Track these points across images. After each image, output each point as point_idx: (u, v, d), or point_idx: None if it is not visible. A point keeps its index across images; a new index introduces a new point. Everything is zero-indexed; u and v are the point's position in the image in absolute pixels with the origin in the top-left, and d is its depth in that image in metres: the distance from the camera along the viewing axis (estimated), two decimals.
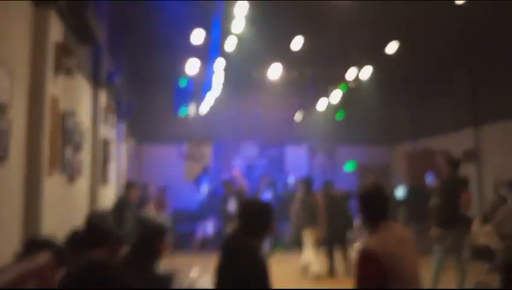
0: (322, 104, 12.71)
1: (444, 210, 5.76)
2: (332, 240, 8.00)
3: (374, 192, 2.69)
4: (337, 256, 8.03)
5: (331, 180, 9.01)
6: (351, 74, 10.58)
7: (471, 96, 10.83)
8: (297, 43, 8.69)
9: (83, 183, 6.05)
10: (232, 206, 8.83)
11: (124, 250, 3.29)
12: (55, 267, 2.39)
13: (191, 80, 11.04)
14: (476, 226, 8.55)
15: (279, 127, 13.72)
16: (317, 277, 7.53)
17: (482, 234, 8.30)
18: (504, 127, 9.67)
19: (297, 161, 13.97)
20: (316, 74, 11.83)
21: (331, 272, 7.88)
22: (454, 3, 7.33)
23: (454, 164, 5.91)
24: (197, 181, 11.43)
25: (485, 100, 10.40)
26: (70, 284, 1.65)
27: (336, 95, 11.94)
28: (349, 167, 14.40)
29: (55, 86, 4.43)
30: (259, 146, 14.12)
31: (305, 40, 8.63)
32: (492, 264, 6.98)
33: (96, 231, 2.99)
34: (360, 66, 10.34)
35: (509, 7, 7.52)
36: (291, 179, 12.31)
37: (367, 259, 2.40)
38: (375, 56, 9.72)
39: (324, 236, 7.91)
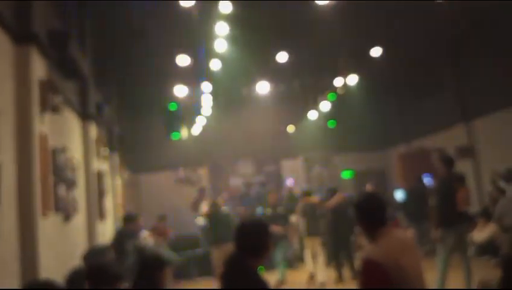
0: (313, 115, 12.74)
1: (443, 210, 5.72)
2: (338, 247, 8.09)
3: (370, 200, 2.67)
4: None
5: (335, 187, 9.09)
6: (338, 82, 10.64)
7: (459, 92, 10.88)
8: (282, 56, 8.76)
9: (79, 220, 5.96)
10: None
11: (126, 284, 3.23)
12: None
13: (180, 103, 11.06)
14: (478, 222, 8.51)
15: (273, 142, 13.71)
16: (322, 285, 7.58)
17: (485, 229, 8.25)
18: (494, 119, 9.70)
19: (294, 174, 13.93)
20: (303, 85, 11.90)
21: (339, 278, 7.90)
22: (437, 2, 7.45)
23: (448, 162, 5.89)
24: (197, 205, 11.31)
25: (473, 94, 10.45)
26: None
27: (326, 105, 11.98)
28: (346, 175, 14.38)
29: (42, 124, 4.39)
30: (255, 163, 14.09)
31: (289, 52, 8.71)
32: (497, 259, 6.93)
33: (96, 267, 2.93)
34: (346, 74, 10.41)
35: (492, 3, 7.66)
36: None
37: (370, 268, 2.37)
38: (361, 62, 9.81)
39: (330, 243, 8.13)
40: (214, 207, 8.21)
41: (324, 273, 7.78)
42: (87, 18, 7.10)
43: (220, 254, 7.47)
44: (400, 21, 8.41)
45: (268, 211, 8.64)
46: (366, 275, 2.40)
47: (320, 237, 8.10)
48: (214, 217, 8.12)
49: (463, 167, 9.29)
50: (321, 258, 7.95)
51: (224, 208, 8.56)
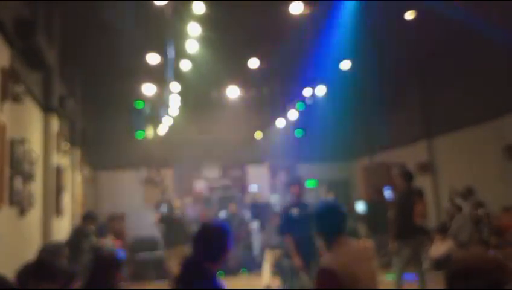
0: (280, 123, 12.84)
1: (400, 222, 5.88)
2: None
3: (328, 209, 2.70)
4: None
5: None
6: (307, 92, 10.78)
7: (423, 110, 11.23)
8: (254, 62, 8.81)
9: (35, 215, 5.76)
10: None
11: (79, 283, 3.14)
12: None
13: (148, 102, 10.90)
14: (435, 236, 8.77)
15: (240, 147, 13.70)
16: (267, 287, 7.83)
17: (442, 244, 8.52)
18: (455, 138, 10.07)
19: (259, 180, 13.96)
20: (273, 92, 11.98)
21: None
22: (404, 20, 7.68)
23: (407, 176, 6.07)
24: (158, 207, 11.14)
25: (436, 113, 10.82)
26: None
27: (294, 114, 12.10)
28: (310, 184, 14.53)
29: (2, 113, 4.23)
30: (221, 167, 14.03)
31: (261, 59, 8.76)
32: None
33: (45, 265, 2.83)
34: (315, 84, 10.55)
35: (459, 23, 7.94)
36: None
37: (325, 276, 2.41)
38: (330, 74, 9.97)
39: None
40: (168, 210, 8.10)
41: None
42: (56, 8, 6.91)
43: (173, 257, 7.41)
44: (370, 37, 8.62)
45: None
46: (321, 284, 2.43)
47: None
48: (168, 219, 8.01)
49: (422, 182, 9.59)
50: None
51: (179, 211, 8.43)
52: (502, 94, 8.68)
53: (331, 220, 2.63)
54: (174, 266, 7.37)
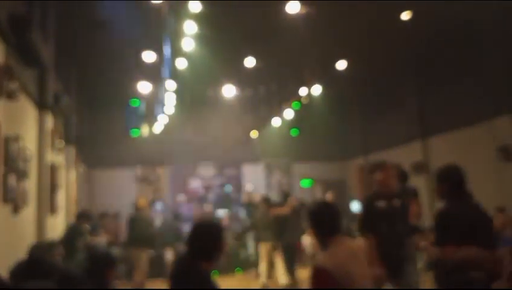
0: (276, 122, 12.85)
1: None
2: (289, 251, 8.18)
3: (323, 208, 2.71)
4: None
5: (288, 190, 9.27)
6: (303, 91, 10.78)
7: (418, 110, 11.28)
8: (250, 61, 8.80)
9: (28, 213, 5.73)
10: None
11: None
12: None
13: (143, 100, 10.87)
14: (430, 236, 8.78)
15: (235, 146, 13.71)
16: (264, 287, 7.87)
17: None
18: (450, 138, 10.12)
19: (254, 179, 13.97)
20: (269, 92, 11.98)
21: (295, 282, 8.05)
22: (401, 21, 7.69)
23: (403, 176, 6.08)
24: (152, 205, 11.10)
25: (431, 113, 10.86)
26: None
27: (290, 113, 12.11)
28: (305, 183, 14.57)
29: None
30: (216, 166, 14.03)
31: (257, 58, 8.75)
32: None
33: (38, 262, 2.82)
34: (311, 84, 10.56)
35: (454, 24, 7.97)
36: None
37: (319, 275, 2.42)
38: (326, 73, 9.98)
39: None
40: (135, 210, 7.91)
41: (283, 277, 7.91)
42: (51, 5, 6.87)
43: (134, 258, 7.30)
44: (366, 36, 8.64)
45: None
46: (315, 282, 2.44)
47: (272, 242, 8.18)
48: (134, 220, 7.78)
49: (417, 182, 9.61)
50: (279, 263, 8.02)
51: (146, 212, 8.17)
52: (496, 95, 8.72)
53: (326, 220, 2.64)
54: (138, 267, 7.25)
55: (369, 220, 4.47)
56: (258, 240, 8.60)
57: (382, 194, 4.55)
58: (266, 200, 8.61)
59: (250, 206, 10.44)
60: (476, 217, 3.07)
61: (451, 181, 3.27)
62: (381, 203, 4.47)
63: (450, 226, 3.04)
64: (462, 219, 3.03)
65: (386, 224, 4.35)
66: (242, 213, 11.81)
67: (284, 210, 8.12)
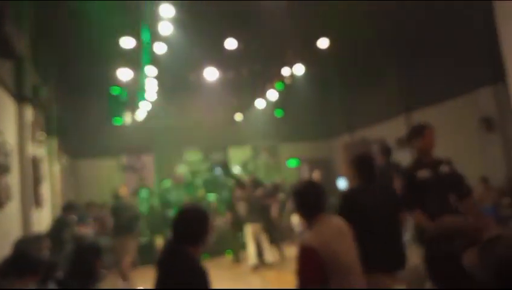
0: (260, 104, 12.80)
1: None
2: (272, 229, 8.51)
3: (307, 187, 2.71)
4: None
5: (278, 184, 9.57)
6: (285, 71, 10.72)
7: (400, 85, 11.32)
8: (231, 42, 8.69)
9: (12, 208, 5.64)
10: None
11: (60, 273, 3.11)
12: None
13: (124, 87, 10.70)
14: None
15: (220, 129, 13.66)
16: (253, 268, 8.02)
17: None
18: (432, 112, 10.20)
19: (241, 162, 13.97)
20: (252, 73, 11.89)
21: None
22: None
23: (386, 151, 6.14)
24: (138, 193, 11.01)
25: (413, 88, 10.92)
26: None
27: (273, 94, 12.06)
28: (292, 164, 14.63)
29: None
30: (202, 151, 13.97)
31: (238, 39, 8.65)
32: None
33: (25, 258, 2.78)
34: (293, 63, 10.50)
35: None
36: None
37: (305, 254, 2.44)
38: (308, 53, 9.93)
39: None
40: (115, 199, 7.83)
41: (270, 253, 8.13)
42: None
43: (119, 247, 7.27)
44: (346, 13, 8.57)
45: None
46: (301, 261, 2.46)
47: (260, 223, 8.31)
48: (117, 208, 7.64)
49: (403, 157, 9.70)
50: (265, 242, 8.12)
51: (127, 200, 7.99)
52: (477, 67, 8.79)
53: (311, 199, 2.64)
54: (123, 257, 7.21)
55: (411, 195, 3.84)
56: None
57: (424, 162, 3.97)
58: (254, 182, 8.63)
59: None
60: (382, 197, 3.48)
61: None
62: (423, 173, 3.86)
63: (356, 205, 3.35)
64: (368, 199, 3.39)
65: (432, 197, 3.73)
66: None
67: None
